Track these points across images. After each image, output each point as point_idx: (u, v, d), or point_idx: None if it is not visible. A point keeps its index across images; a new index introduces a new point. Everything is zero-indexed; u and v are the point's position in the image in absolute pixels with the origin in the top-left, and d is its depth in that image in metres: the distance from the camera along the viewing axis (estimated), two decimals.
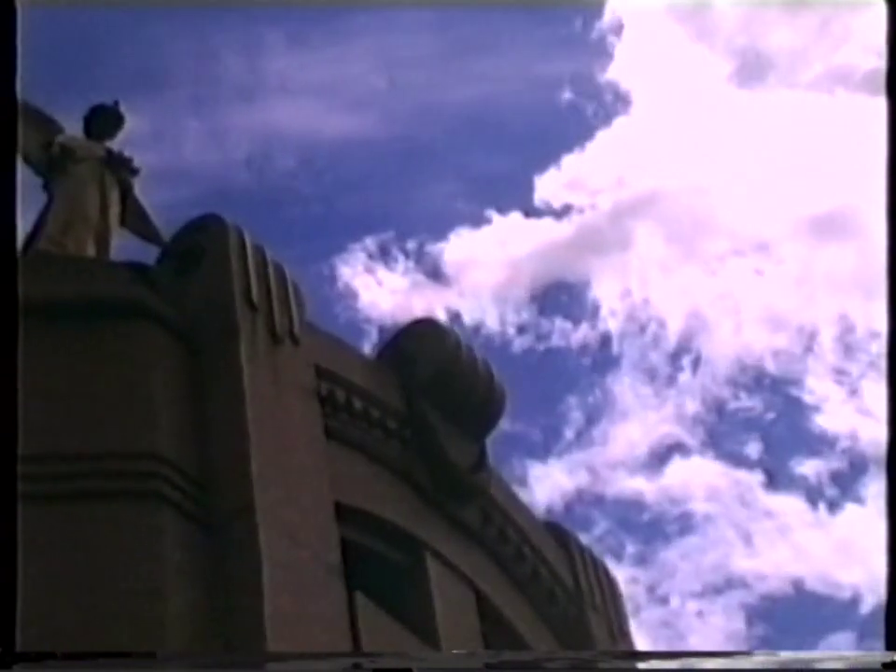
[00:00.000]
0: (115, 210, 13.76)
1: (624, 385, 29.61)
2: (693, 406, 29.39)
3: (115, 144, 14.11)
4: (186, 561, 10.34)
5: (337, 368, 12.39)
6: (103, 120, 14.20)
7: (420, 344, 13.15)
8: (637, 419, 29.74)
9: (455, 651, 11.52)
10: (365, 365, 12.93)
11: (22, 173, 13.90)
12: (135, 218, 13.98)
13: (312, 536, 10.93)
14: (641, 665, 9.02)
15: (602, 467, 29.31)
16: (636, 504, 29.20)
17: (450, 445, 12.72)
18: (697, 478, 29.72)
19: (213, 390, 11.36)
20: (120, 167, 13.89)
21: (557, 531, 14.28)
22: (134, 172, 14.00)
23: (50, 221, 13.40)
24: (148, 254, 13.38)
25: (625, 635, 14.12)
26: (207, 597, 10.19)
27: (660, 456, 29.30)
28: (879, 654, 7.37)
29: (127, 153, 14.06)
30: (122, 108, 14.30)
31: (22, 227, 13.44)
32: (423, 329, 13.34)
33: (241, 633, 10.08)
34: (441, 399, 12.80)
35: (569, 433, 29.28)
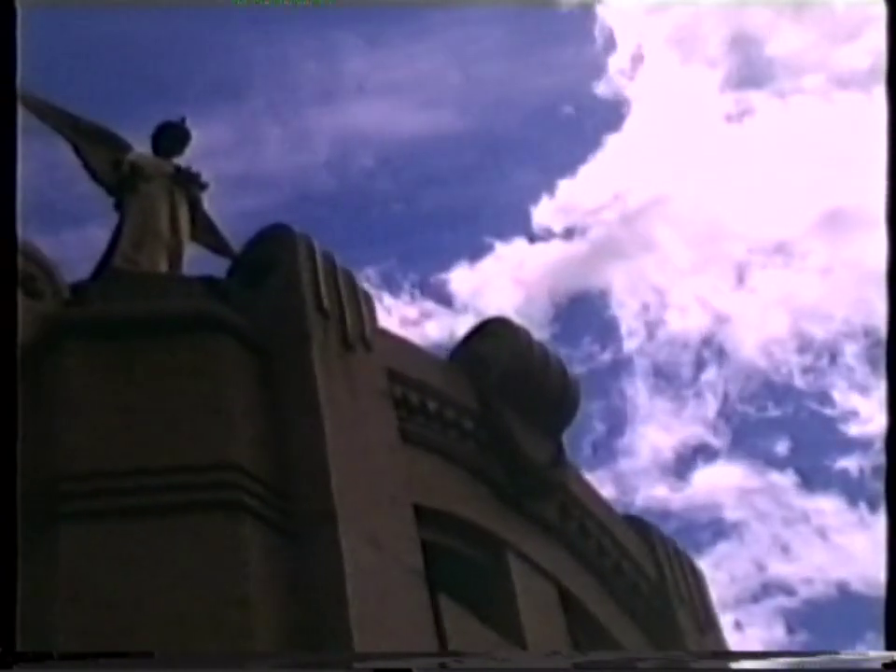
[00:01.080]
0: (185, 225, 13.94)
1: (646, 394, 29.39)
2: (718, 409, 29.13)
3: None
4: (269, 569, 10.43)
5: (410, 370, 12.45)
6: (170, 137, 14.40)
7: (492, 343, 13.17)
8: (661, 426, 29.49)
9: (541, 652, 11.51)
10: (438, 366, 12.98)
11: (94, 192, 14.20)
12: (205, 232, 14.17)
13: (393, 539, 10.98)
14: (734, 666, 8.94)
15: (628, 476, 29.09)
16: (664, 513, 28.88)
17: (526, 442, 12.73)
18: (726, 482, 29.34)
19: (288, 398, 11.46)
20: (189, 182, 14.07)
21: (637, 523, 14.23)
22: (203, 186, 14.17)
23: (123, 239, 13.61)
24: (220, 267, 13.60)
25: (713, 626, 14.03)
26: (292, 604, 10.28)
27: (687, 462, 28.99)
28: (879, 654, 7.31)
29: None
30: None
31: (96, 246, 13.75)
32: (494, 327, 13.37)
33: (327, 638, 10.15)
34: (515, 396, 12.82)
35: (590, 444, 29.10)
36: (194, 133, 14.43)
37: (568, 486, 13.08)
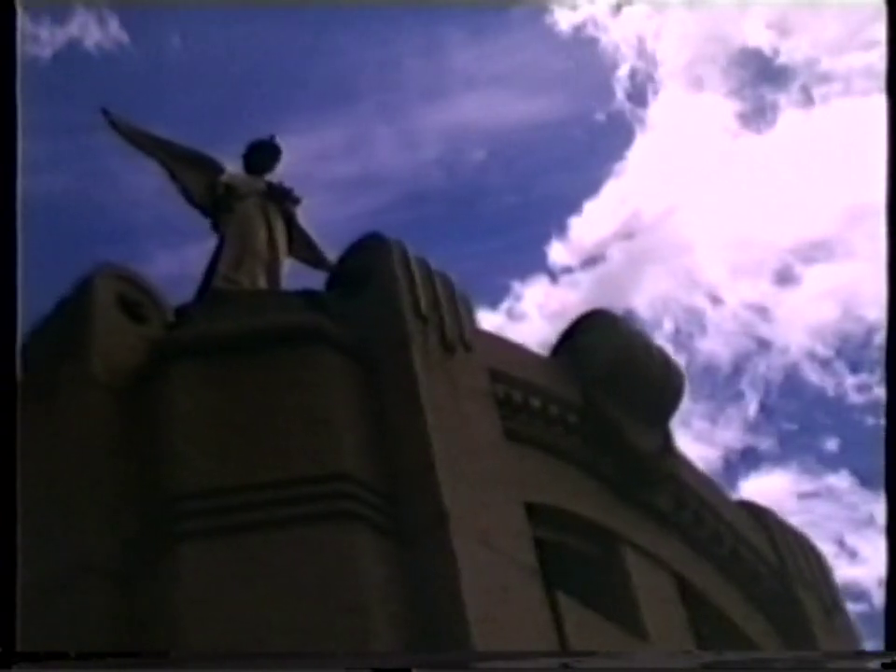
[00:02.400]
0: (282, 241, 14.10)
1: (689, 408, 28.98)
2: (763, 416, 28.55)
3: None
4: (384, 575, 10.50)
5: (511, 369, 12.45)
6: (261, 155, 14.58)
7: (593, 336, 13.11)
8: (706, 437, 29.00)
9: (666, 647, 11.42)
10: (539, 363, 12.96)
11: (191, 214, 14.43)
12: (302, 246, 14.31)
13: (505, 538, 10.99)
14: (871, 665, 8.79)
15: None
16: None
17: (633, 433, 12.65)
18: (781, 488, 28.68)
19: (391, 405, 11.53)
20: (282, 198, 14.23)
21: (753, 508, 14.05)
22: (296, 201, 14.32)
23: (222, 260, 13.81)
24: (317, 280, 13.74)
25: (839, 608, 13.81)
26: (409, 608, 10.33)
27: (737, 471, 28.42)
28: (879, 654, 7.15)
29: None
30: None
31: (196, 268, 13.97)
32: (594, 320, 13.30)
33: (446, 640, 10.19)
34: (618, 388, 12.74)
35: None
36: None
37: (679, 475, 12.98)
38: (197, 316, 12.79)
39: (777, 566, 13.60)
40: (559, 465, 12.29)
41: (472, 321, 12.57)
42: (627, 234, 30.78)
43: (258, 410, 11.52)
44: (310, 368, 11.76)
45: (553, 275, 30.89)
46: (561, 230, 30.03)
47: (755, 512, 13.98)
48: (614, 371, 12.85)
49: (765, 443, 28.96)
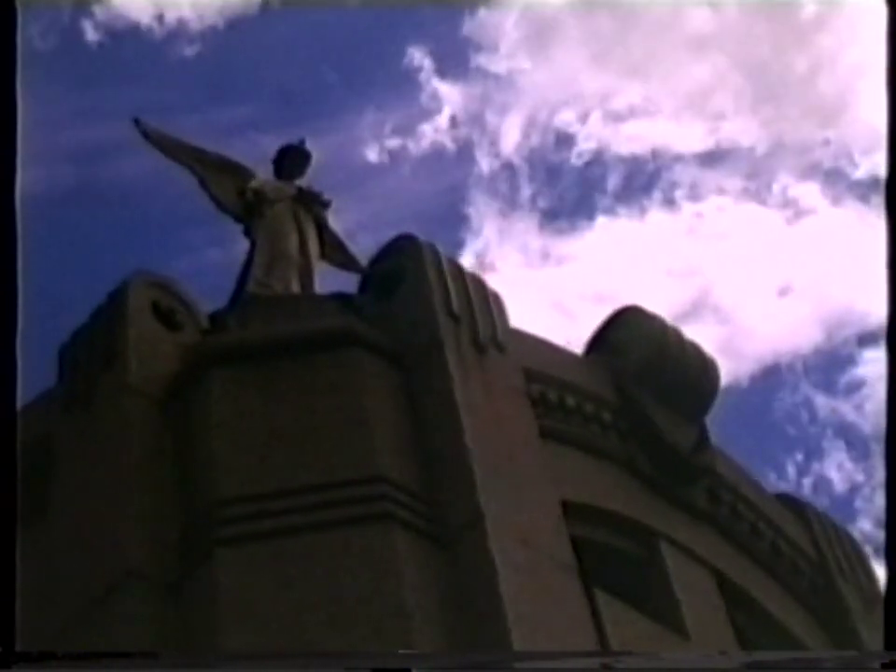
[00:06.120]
0: (313, 245, 14.16)
1: None
2: None
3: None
4: (423, 576, 10.53)
5: (546, 368, 12.46)
6: (291, 160, 14.64)
7: (626, 332, 13.10)
8: None
9: (706, 644, 11.39)
10: (573, 361, 12.96)
11: (223, 221, 14.51)
12: (333, 250, 14.37)
13: (543, 537, 11.00)
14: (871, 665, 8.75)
15: None
16: None
17: (668, 429, 12.62)
18: None
19: (426, 406, 11.57)
20: (312, 202, 14.29)
21: (790, 501, 14.00)
22: (326, 205, 14.38)
23: (255, 265, 13.88)
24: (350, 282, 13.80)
25: (880, 601, 13.70)
26: (448, 610, 10.36)
27: None
28: (879, 654, 7.12)
29: None
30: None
31: (229, 275, 14.05)
32: (627, 317, 13.29)
33: (486, 640, 10.22)
34: (653, 383, 12.72)
35: None
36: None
37: (716, 469, 12.94)
38: (232, 322, 12.86)
39: (816, 559, 13.53)
40: (595, 462, 12.29)
41: (505, 321, 12.59)
42: None
43: (294, 414, 11.58)
44: (345, 371, 11.80)
45: None
46: None
47: (794, 505, 13.92)
48: (648, 366, 12.83)
49: None
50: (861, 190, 28.48)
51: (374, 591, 10.33)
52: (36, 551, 11.39)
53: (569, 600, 10.75)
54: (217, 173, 14.37)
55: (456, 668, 9.42)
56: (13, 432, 8.66)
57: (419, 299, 12.30)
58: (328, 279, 14.14)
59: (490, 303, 12.50)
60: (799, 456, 30.19)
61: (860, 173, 28.92)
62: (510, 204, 29.20)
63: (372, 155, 27.59)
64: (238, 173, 14.39)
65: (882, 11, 7.42)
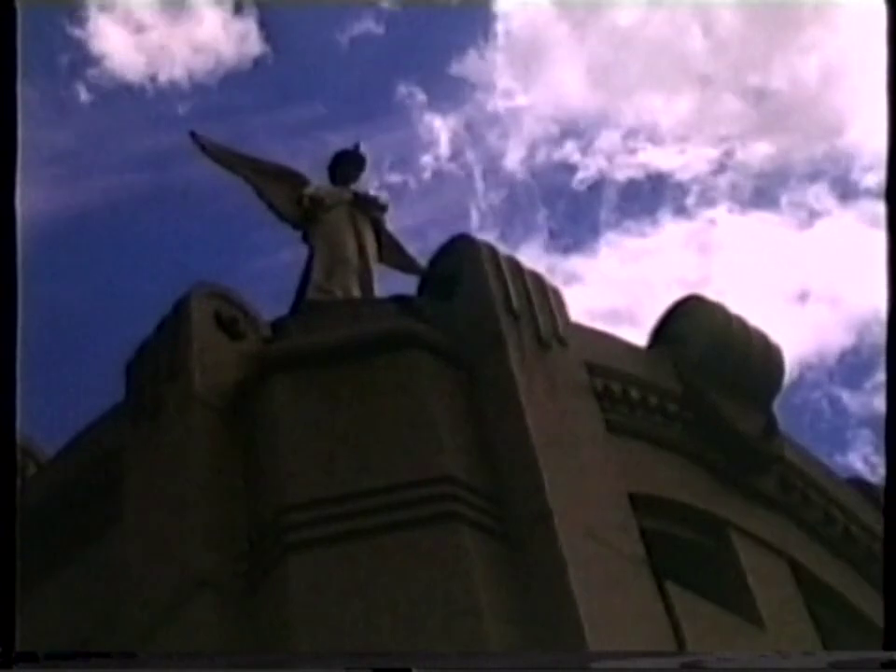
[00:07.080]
0: (371, 248, 14.22)
1: None
2: None
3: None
4: (493, 574, 10.49)
5: (608, 361, 12.40)
6: (346, 165, 14.73)
7: (689, 322, 13.01)
8: None
9: (792, 651, 11.19)
10: (636, 353, 12.88)
11: (279, 227, 14.61)
12: (391, 252, 14.43)
13: (612, 531, 10.93)
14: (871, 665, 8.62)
15: None
16: None
17: (735, 417, 12.51)
18: None
19: (489, 404, 11.54)
20: (369, 206, 14.35)
21: (863, 485, 13.81)
22: (383, 208, 14.44)
23: (314, 271, 13.97)
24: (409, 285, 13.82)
25: None
26: (520, 607, 10.32)
27: None
28: (879, 654, 6.96)
29: None
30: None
31: (289, 283, 14.13)
32: (688, 307, 13.19)
33: (559, 636, 10.17)
34: (717, 373, 12.61)
35: None
36: None
37: (785, 457, 12.81)
38: (293, 329, 12.93)
39: None
40: (661, 454, 12.20)
41: (566, 315, 12.54)
42: None
43: (358, 418, 11.60)
44: (407, 372, 11.82)
45: None
46: None
47: (865, 489, 13.73)
48: (712, 356, 12.72)
49: None
50: (871, 192, 28.27)
51: (443, 591, 10.32)
52: (108, 562, 11.55)
53: (641, 594, 10.67)
54: (272, 181, 14.48)
55: (530, 668, 9.38)
56: (12, 432, 8.74)
57: (478, 298, 12.28)
58: (387, 282, 14.19)
59: (550, 299, 12.46)
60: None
61: (868, 179, 28.73)
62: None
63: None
64: (294, 180, 14.49)
65: (882, 11, 7.32)
